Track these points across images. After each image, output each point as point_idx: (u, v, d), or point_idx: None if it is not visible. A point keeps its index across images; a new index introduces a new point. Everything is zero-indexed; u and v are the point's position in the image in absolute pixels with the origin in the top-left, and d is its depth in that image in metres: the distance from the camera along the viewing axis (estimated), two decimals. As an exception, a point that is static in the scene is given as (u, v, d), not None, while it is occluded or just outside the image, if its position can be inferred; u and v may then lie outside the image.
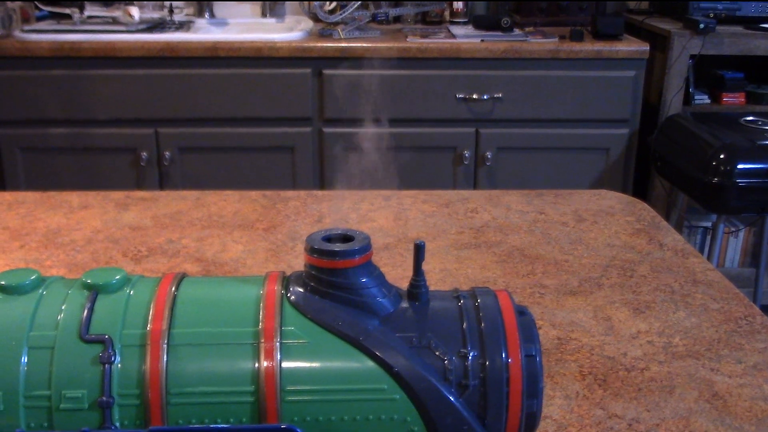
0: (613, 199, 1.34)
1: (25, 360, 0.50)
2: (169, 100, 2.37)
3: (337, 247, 0.53)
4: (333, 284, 0.52)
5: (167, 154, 2.39)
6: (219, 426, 0.48)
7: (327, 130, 2.39)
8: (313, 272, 0.53)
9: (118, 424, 0.50)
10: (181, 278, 0.55)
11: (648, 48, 2.38)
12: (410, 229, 1.20)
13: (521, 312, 0.55)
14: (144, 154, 2.39)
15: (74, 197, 1.32)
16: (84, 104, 2.37)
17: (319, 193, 1.38)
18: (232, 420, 0.50)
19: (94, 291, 0.53)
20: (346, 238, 0.55)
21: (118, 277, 0.53)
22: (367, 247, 0.53)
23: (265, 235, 1.16)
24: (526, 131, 2.43)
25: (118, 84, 2.35)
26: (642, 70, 2.40)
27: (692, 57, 2.47)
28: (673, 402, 0.80)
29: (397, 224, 1.21)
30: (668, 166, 2.34)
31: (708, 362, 0.87)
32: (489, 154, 2.42)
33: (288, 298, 0.53)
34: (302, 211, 1.27)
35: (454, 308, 0.54)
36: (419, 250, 0.54)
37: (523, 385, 0.52)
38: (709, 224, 2.57)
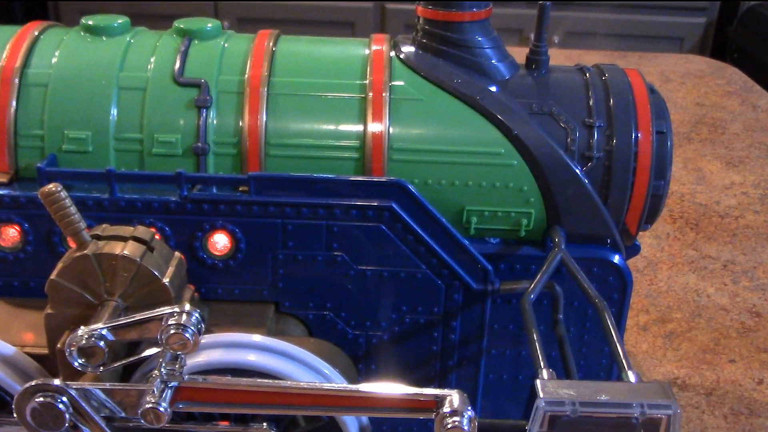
0: (701, 63, 1.26)
1: (116, 101, 0.46)
2: (228, -32, 2.30)
3: None
4: (447, 40, 0.47)
5: (226, 24, 2.34)
6: (322, 176, 0.44)
7: (389, 6, 2.31)
8: (426, 27, 0.48)
9: (213, 172, 0.46)
10: (278, 35, 0.51)
11: (733, -68, 2.24)
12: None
13: (651, 90, 0.49)
14: (202, 24, 2.34)
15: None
16: (142, -30, 2.32)
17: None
18: None
19: (188, 37, 0.49)
20: None
21: (211, 25, 0.49)
22: (486, 3, 0.48)
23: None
24: (593, 15, 2.33)
25: (178, -50, 2.29)
26: (725, -44, 2.27)
27: (780, -56, 2.32)
28: (773, 247, 0.76)
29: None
30: (747, 58, 2.23)
31: (811, 211, 0.82)
32: (556, 39, 2.33)
33: (398, 56, 0.49)
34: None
35: (579, 79, 0.49)
36: (544, 11, 0.48)
37: (652, 162, 0.47)
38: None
